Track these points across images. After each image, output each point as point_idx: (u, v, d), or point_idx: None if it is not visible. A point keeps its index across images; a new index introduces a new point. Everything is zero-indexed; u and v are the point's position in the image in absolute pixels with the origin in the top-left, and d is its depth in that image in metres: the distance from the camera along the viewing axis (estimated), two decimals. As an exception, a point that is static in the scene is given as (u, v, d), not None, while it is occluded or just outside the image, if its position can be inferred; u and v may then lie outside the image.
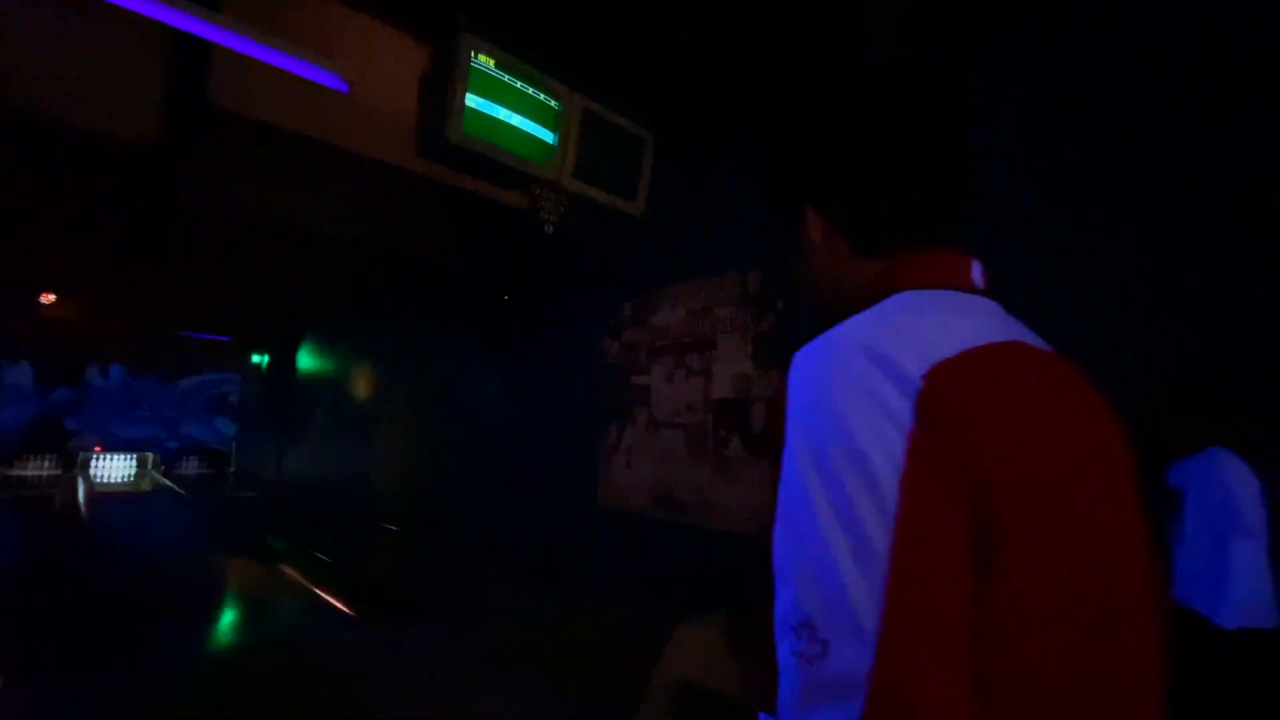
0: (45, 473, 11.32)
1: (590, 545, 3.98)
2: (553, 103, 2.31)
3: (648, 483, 3.79)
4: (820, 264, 0.71)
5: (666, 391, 3.77)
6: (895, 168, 0.66)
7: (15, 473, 11.03)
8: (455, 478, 4.91)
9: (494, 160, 2.20)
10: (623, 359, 4.10)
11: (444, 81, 2.00)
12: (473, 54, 2.15)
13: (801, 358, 0.54)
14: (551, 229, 2.47)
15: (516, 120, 2.22)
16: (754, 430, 3.26)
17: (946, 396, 0.46)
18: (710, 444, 3.47)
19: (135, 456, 12.78)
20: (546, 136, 2.33)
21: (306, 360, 8.32)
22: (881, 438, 0.44)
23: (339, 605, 4.20)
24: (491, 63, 2.20)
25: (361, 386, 6.41)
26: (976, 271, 0.65)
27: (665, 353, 3.81)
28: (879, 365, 0.48)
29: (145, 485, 11.73)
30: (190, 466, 13.14)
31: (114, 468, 12.37)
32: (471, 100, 2.07)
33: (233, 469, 12.93)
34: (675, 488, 3.61)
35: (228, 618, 3.96)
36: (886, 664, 0.38)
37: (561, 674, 3.19)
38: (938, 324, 0.55)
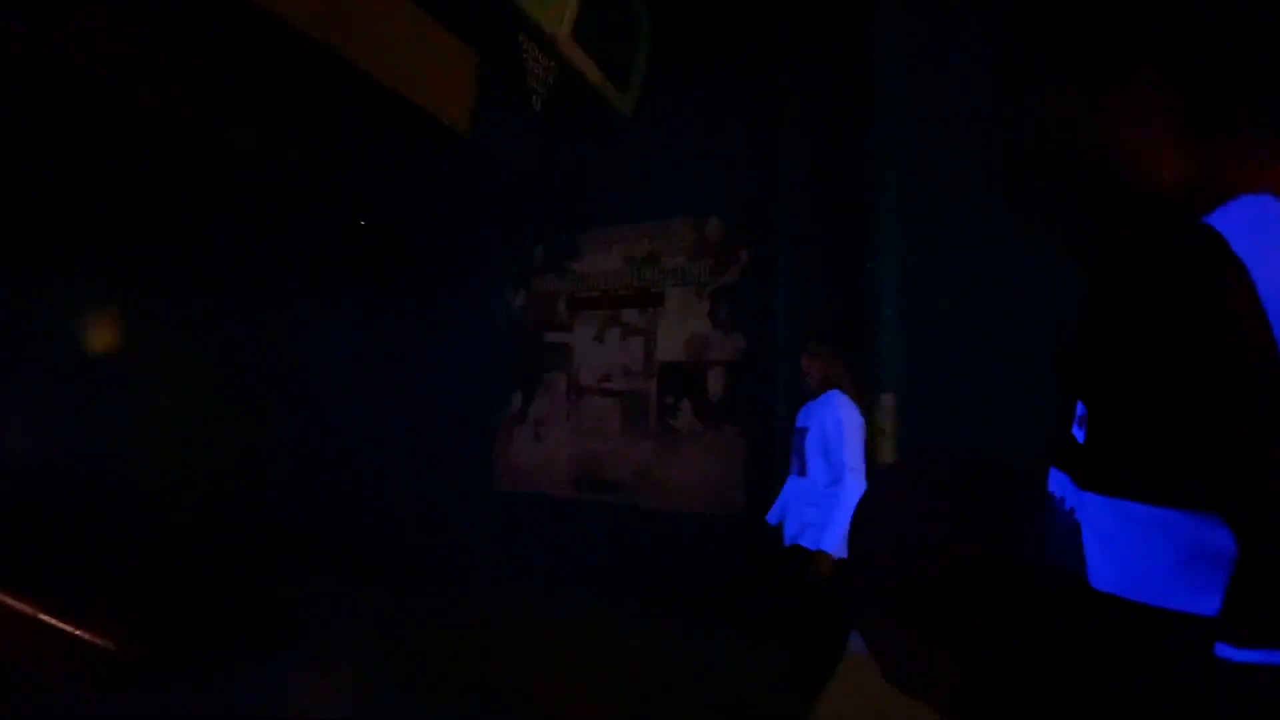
0: None
1: (485, 537, 3.25)
2: (565, -75, 1.62)
3: (565, 459, 3.18)
4: (1125, 142, 0.56)
5: (595, 352, 3.19)
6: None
7: None
8: (287, 461, 3.73)
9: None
10: (533, 312, 3.40)
11: None
12: None
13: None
14: (539, 104, 1.77)
15: (524, -73, 1.50)
16: (709, 397, 2.86)
17: None
18: (653, 413, 2.99)
19: None
20: (554, -32, 1.63)
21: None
22: None
23: (99, 641, 2.89)
24: None
25: (113, 333, 4.65)
26: None
27: (594, 306, 3.22)
28: None
29: None
30: None
31: None
32: None
33: None
34: (604, 464, 3.07)
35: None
36: None
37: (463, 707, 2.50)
38: None
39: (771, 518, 2.22)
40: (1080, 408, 0.53)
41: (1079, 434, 0.53)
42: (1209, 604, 0.43)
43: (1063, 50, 0.60)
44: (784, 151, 2.72)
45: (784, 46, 2.68)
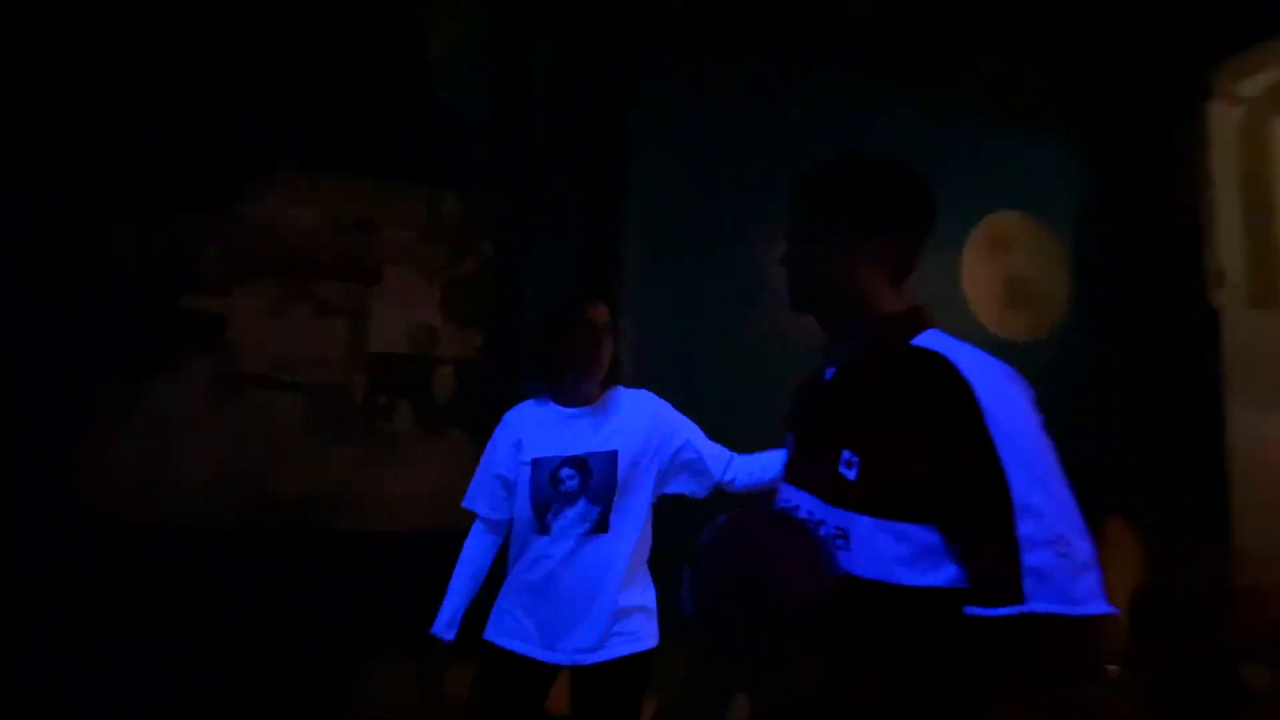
0: None
1: (58, 585, 2.09)
2: None
3: (208, 472, 2.30)
4: (860, 278, 0.84)
5: (269, 330, 2.40)
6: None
7: None
8: None
9: None
10: (155, 261, 2.32)
11: None
12: None
13: (999, 379, 0.74)
14: None
15: None
16: (436, 398, 2.53)
17: None
18: (359, 414, 2.45)
19: None
20: None
21: None
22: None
23: None
24: None
25: None
26: None
27: (271, 270, 2.41)
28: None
29: None
30: None
31: None
32: None
33: None
34: (279, 478, 2.36)
35: None
36: (1090, 545, 0.66)
37: None
38: None
39: (502, 635, 1.34)
40: (848, 454, 0.75)
41: (849, 474, 0.75)
42: (926, 580, 0.70)
43: (836, 216, 0.84)
44: (542, 149, 2.60)
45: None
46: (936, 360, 0.75)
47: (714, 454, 1.43)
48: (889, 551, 0.72)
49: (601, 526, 1.30)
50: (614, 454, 1.32)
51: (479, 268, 2.60)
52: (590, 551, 1.29)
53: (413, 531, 2.41)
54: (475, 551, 1.44)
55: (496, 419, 2.39)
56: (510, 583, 1.39)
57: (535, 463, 1.33)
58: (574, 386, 1.37)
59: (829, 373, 0.88)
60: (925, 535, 0.71)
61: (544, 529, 1.32)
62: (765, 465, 1.36)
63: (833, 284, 0.84)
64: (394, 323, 2.51)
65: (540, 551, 1.32)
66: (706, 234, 2.54)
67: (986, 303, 2.92)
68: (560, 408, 1.39)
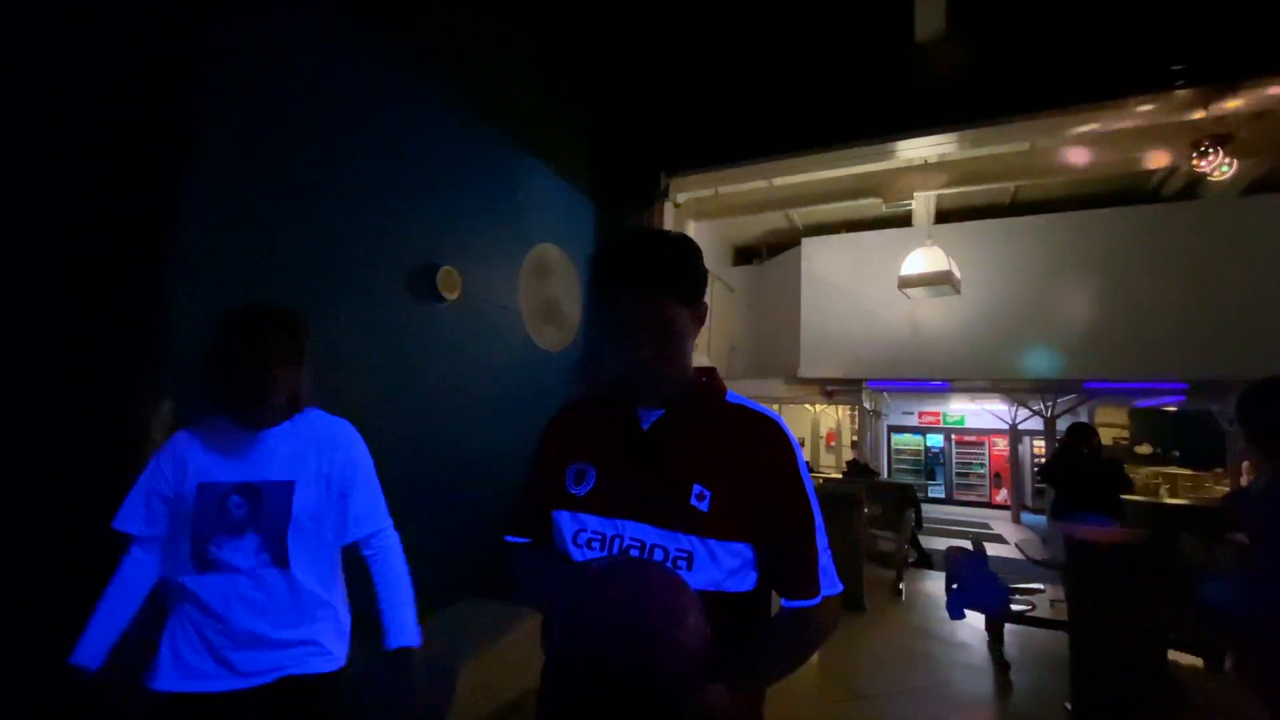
0: None
1: None
2: None
3: None
4: (689, 340, 0.96)
5: None
6: None
7: None
8: None
9: None
10: None
11: None
12: None
13: (785, 426, 0.95)
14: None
15: None
16: None
17: None
18: None
19: None
20: None
21: None
22: None
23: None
24: None
25: None
26: None
27: None
28: None
29: None
30: None
31: None
32: None
33: None
34: None
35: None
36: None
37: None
38: None
39: (169, 681, 1.19)
40: (698, 488, 0.88)
41: (701, 505, 0.88)
42: (742, 587, 0.89)
43: (680, 289, 0.92)
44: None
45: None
46: (763, 418, 0.94)
47: (359, 514, 1.34)
48: (725, 567, 0.87)
49: (281, 561, 1.23)
50: (289, 485, 1.25)
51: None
52: (262, 588, 1.22)
53: None
54: (134, 572, 1.25)
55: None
56: (170, 626, 1.24)
57: (201, 488, 1.22)
58: (243, 415, 1.28)
59: (647, 416, 0.97)
60: (747, 551, 0.89)
61: (205, 563, 1.21)
62: (393, 585, 1.34)
63: (672, 345, 0.93)
64: None
65: (200, 587, 1.21)
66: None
67: (532, 318, 3.62)
68: (237, 429, 1.28)
